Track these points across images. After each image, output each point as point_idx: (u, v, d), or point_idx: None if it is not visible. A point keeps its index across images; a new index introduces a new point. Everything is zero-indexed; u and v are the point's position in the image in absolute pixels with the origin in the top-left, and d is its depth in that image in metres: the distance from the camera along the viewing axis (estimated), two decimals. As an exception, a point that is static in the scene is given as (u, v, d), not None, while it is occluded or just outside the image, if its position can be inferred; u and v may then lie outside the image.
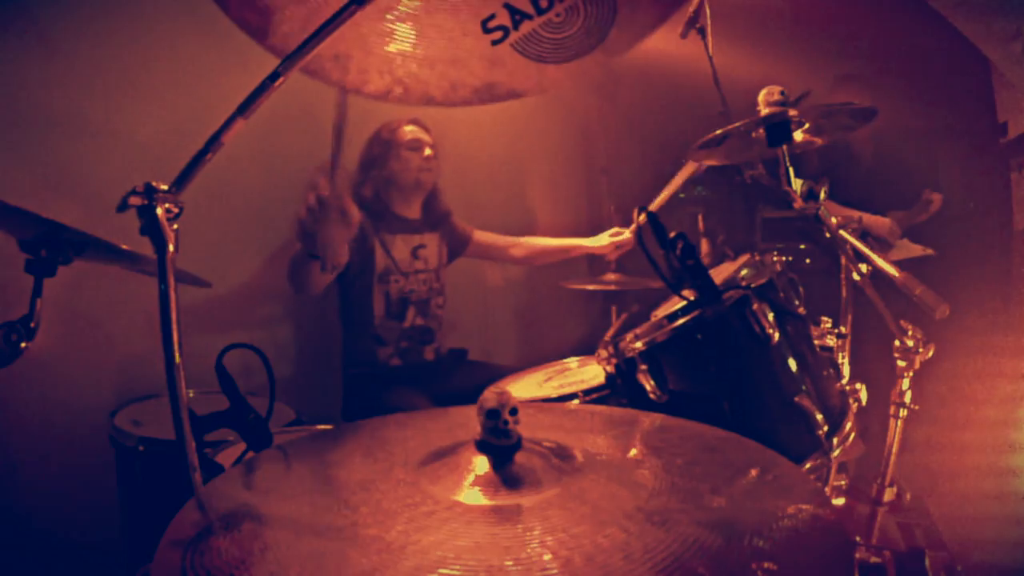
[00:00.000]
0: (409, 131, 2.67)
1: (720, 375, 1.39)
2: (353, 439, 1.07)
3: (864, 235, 1.62)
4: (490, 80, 1.29)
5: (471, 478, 0.81)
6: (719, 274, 1.41)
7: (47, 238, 1.06)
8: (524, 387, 2.20)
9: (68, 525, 2.17)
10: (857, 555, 1.38)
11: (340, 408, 2.69)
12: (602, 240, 3.01)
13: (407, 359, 2.62)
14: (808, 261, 3.48)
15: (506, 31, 1.22)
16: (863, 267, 1.55)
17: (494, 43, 1.23)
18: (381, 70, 1.24)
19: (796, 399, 1.35)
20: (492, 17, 1.20)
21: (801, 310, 1.51)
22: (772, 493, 0.83)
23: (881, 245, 3.19)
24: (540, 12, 1.20)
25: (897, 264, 1.49)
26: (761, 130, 1.64)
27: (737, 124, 1.62)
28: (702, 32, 2.02)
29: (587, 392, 1.87)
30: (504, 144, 3.58)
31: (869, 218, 3.23)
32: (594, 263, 4.21)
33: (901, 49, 3.48)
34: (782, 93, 1.57)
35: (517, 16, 1.20)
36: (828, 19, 3.71)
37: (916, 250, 3.24)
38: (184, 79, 2.42)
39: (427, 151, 2.66)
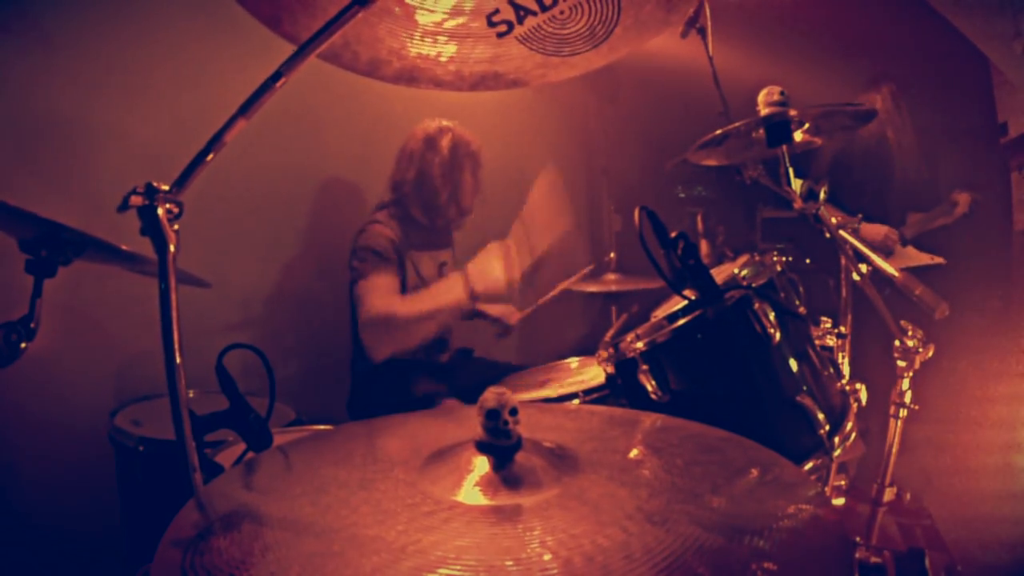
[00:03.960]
0: (482, 152, 2.59)
1: (721, 375, 1.39)
2: (353, 439, 1.07)
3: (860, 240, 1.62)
4: (495, 70, 1.30)
5: (471, 478, 0.81)
6: (719, 274, 1.41)
7: (47, 238, 1.06)
8: (524, 388, 2.20)
9: (68, 525, 2.17)
10: (857, 555, 1.38)
11: (341, 407, 2.69)
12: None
13: (421, 360, 2.61)
14: (808, 261, 3.48)
15: (510, 25, 1.22)
16: (863, 267, 1.55)
17: (499, 36, 1.24)
18: (391, 56, 1.25)
19: (798, 399, 1.35)
20: (496, 12, 1.20)
21: (802, 310, 1.51)
22: (772, 493, 0.83)
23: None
24: (544, 8, 1.20)
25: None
26: (761, 130, 1.64)
27: (737, 124, 1.63)
28: (702, 32, 2.02)
29: (587, 392, 1.87)
30: (504, 144, 3.58)
31: (864, 225, 3.22)
32: (594, 264, 4.21)
33: (901, 49, 3.49)
34: (782, 93, 1.57)
35: (521, 12, 1.20)
36: (828, 19, 3.71)
37: (923, 258, 3.19)
38: (185, 79, 2.42)
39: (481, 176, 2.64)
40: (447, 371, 2.64)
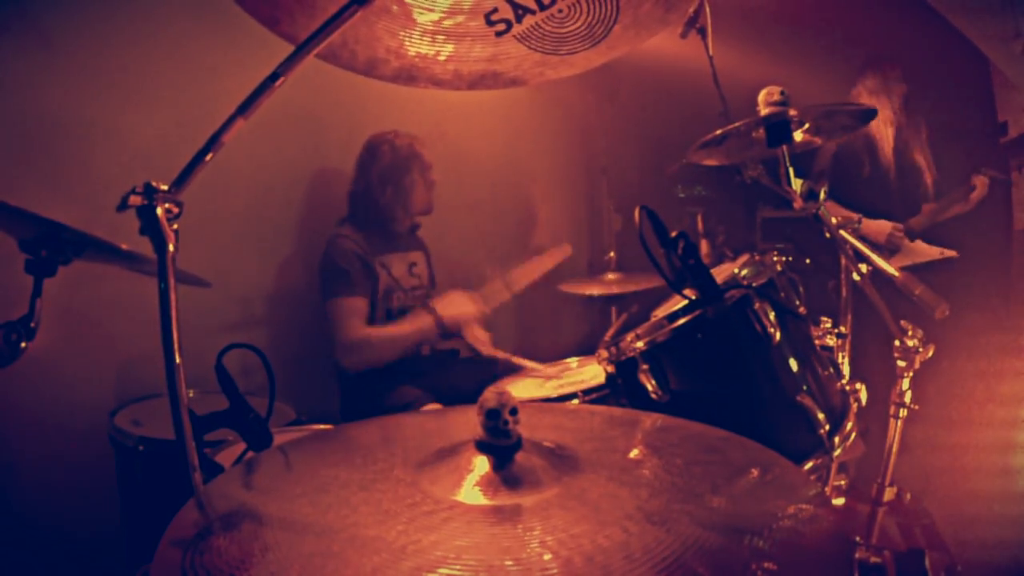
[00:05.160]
0: (426, 152, 2.69)
1: (721, 374, 1.39)
2: (353, 439, 1.07)
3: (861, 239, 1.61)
4: (494, 68, 1.30)
5: (471, 478, 0.81)
6: (719, 274, 1.41)
7: (47, 238, 1.06)
8: (524, 387, 2.20)
9: (68, 525, 2.17)
10: (857, 555, 1.37)
11: (339, 408, 2.70)
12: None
13: (403, 357, 2.63)
14: (808, 261, 3.47)
15: (509, 24, 1.22)
16: (863, 267, 1.55)
17: (498, 35, 1.24)
18: (389, 55, 1.25)
19: (798, 398, 1.35)
20: (495, 11, 1.20)
21: (802, 310, 1.51)
22: (772, 493, 0.83)
23: (880, 253, 3.03)
24: (542, 7, 1.20)
25: (910, 268, 1.49)
26: (761, 130, 1.64)
27: (737, 124, 1.62)
28: (702, 32, 2.02)
29: (587, 392, 1.87)
30: (504, 144, 3.58)
31: (866, 222, 3.18)
32: (594, 263, 4.22)
33: (901, 49, 3.48)
34: (782, 93, 1.57)
35: (519, 11, 1.20)
36: (828, 19, 3.71)
37: (933, 252, 3.11)
38: (184, 79, 2.42)
39: (433, 176, 2.73)
40: (432, 371, 2.66)
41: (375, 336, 2.49)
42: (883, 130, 3.28)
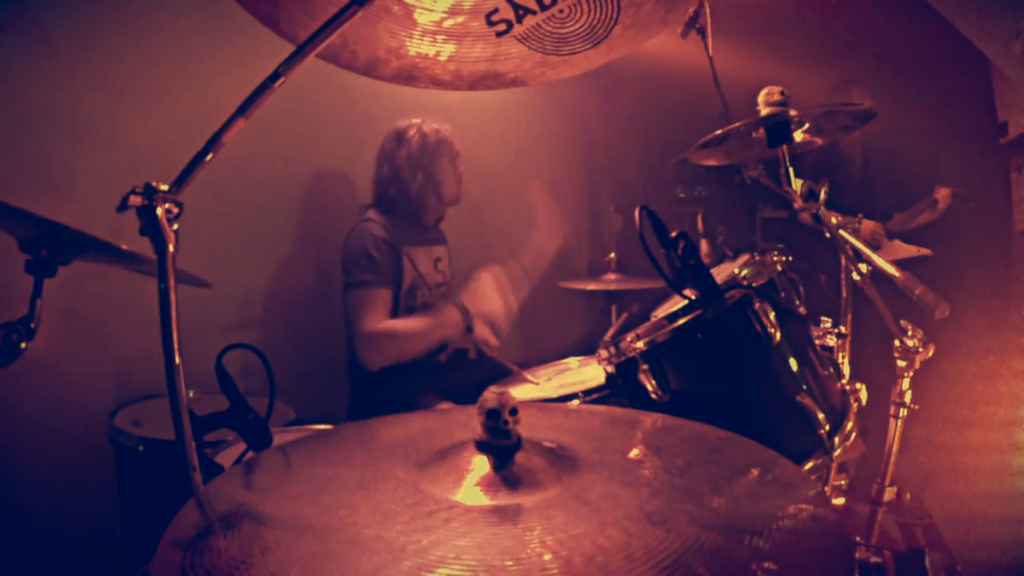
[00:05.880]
0: (454, 140, 2.62)
1: (721, 374, 1.39)
2: (353, 439, 1.07)
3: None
4: (494, 69, 1.30)
5: (471, 478, 0.81)
6: (719, 274, 1.41)
7: (47, 238, 1.06)
8: (525, 388, 2.21)
9: (68, 525, 2.17)
10: (857, 555, 1.38)
11: (341, 407, 2.69)
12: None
13: (420, 362, 2.61)
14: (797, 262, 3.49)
15: (509, 24, 1.22)
16: (863, 267, 1.55)
17: (498, 35, 1.24)
18: (389, 55, 1.25)
19: (798, 398, 1.35)
20: (495, 11, 1.20)
21: (802, 310, 1.51)
22: (772, 493, 0.83)
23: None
24: (543, 7, 1.20)
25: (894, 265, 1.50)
26: (761, 130, 1.64)
27: (737, 124, 1.63)
28: (702, 32, 2.02)
29: (587, 392, 1.87)
30: (504, 144, 3.58)
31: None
32: (594, 263, 4.22)
33: (901, 49, 3.49)
34: (782, 93, 1.57)
35: (520, 11, 1.20)
36: (828, 19, 3.71)
37: (909, 251, 3.23)
38: (184, 79, 2.42)
39: (461, 166, 2.67)
40: (445, 372, 2.65)
41: (399, 329, 2.35)
42: (854, 145, 3.43)
